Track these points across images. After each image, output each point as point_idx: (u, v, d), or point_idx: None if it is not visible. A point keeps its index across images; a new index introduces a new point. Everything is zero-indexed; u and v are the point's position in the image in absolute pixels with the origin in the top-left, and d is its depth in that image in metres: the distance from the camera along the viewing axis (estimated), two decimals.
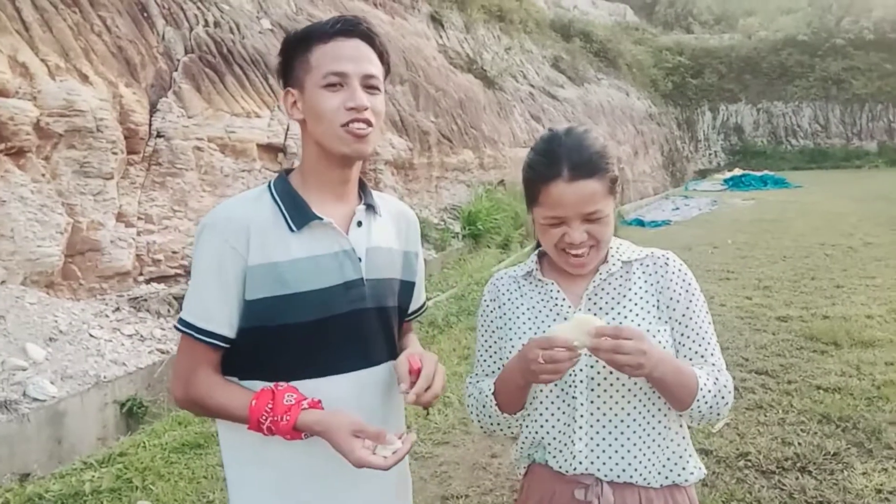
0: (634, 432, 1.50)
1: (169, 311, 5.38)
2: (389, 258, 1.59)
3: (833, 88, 39.04)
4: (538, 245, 1.64)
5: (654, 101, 32.69)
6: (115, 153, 5.41)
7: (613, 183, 1.49)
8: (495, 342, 1.66)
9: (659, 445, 1.52)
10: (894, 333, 5.98)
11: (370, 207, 1.57)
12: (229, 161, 6.81)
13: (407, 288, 1.67)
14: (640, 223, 16.01)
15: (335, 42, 1.44)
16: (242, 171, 6.98)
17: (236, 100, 7.08)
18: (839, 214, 15.68)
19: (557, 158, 1.45)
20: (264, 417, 1.38)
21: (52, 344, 4.46)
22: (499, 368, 1.63)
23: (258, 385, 1.45)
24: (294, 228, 1.45)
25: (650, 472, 1.51)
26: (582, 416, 1.51)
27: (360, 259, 1.51)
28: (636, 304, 1.52)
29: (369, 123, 1.45)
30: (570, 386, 1.52)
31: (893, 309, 6.81)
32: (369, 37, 1.48)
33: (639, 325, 1.49)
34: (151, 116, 5.99)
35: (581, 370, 1.50)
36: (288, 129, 7.73)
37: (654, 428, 1.52)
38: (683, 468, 1.54)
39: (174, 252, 5.96)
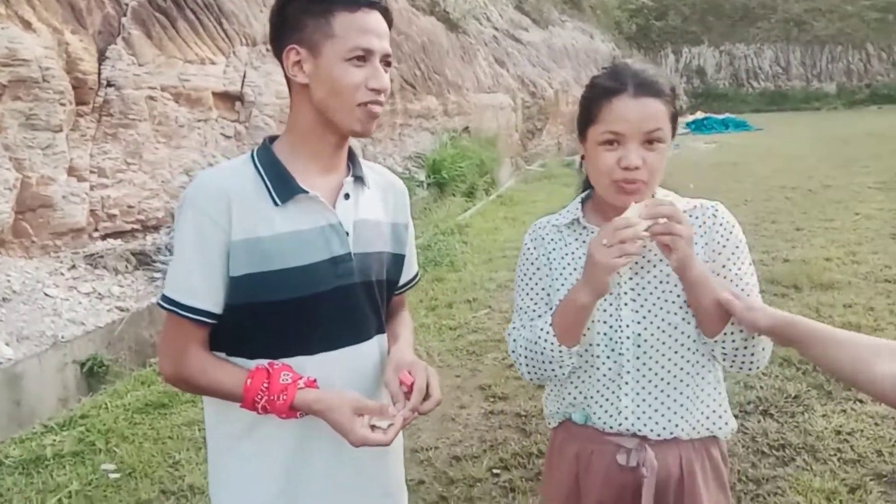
0: (678, 389, 1.52)
1: (127, 267, 5.24)
2: (378, 231, 1.54)
3: (794, 30, 39.32)
4: (584, 188, 1.63)
5: (618, 44, 32.46)
6: (62, 104, 5.16)
7: (674, 110, 1.47)
8: (542, 286, 1.62)
9: (702, 400, 1.54)
10: (852, 275, 6.11)
11: (358, 179, 1.52)
12: (184, 111, 6.57)
13: (397, 260, 1.61)
14: None
15: (362, 13, 1.38)
16: (198, 121, 6.75)
17: (189, 46, 6.79)
18: (799, 157, 15.90)
19: (624, 75, 1.46)
20: (259, 396, 1.35)
21: (6, 304, 4.32)
22: (547, 311, 1.58)
23: (246, 362, 1.42)
24: (278, 202, 1.39)
25: (693, 427, 1.54)
26: (629, 372, 1.51)
27: (347, 233, 1.46)
28: None
29: (382, 103, 1.42)
30: (616, 343, 1.52)
31: (850, 251, 6.95)
32: (387, 10, 1.44)
33: None
34: (100, 65, 5.72)
35: (628, 326, 1.50)
36: (245, 77, 7.48)
37: (697, 384, 1.53)
38: (721, 418, 1.58)
39: (130, 207, 5.77)
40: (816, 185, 11.49)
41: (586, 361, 1.56)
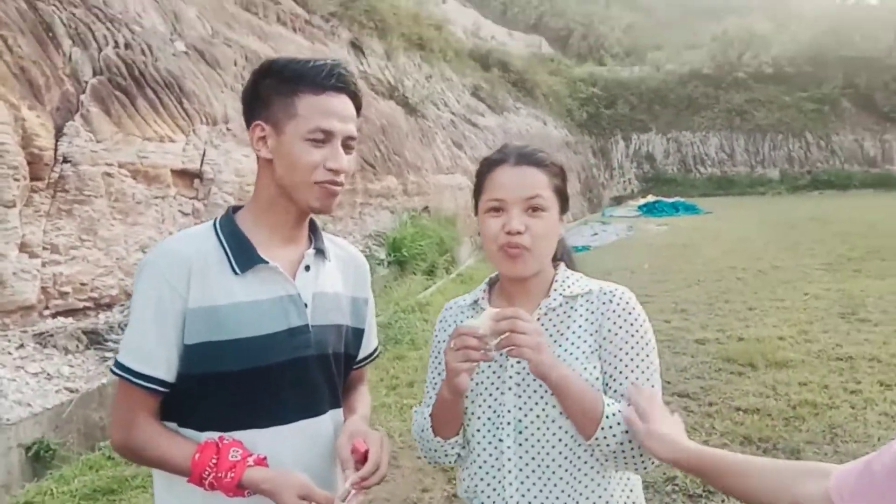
0: (563, 479, 1.43)
1: (78, 346, 5.06)
2: (336, 304, 1.54)
3: (737, 119, 41.33)
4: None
5: (570, 130, 33.64)
6: (16, 179, 5.08)
7: (558, 183, 1.51)
8: (442, 373, 1.60)
9: (593, 490, 1.44)
10: (805, 354, 6.23)
11: (319, 252, 1.53)
12: (141, 188, 6.52)
13: (356, 335, 1.61)
14: None
15: (326, 96, 1.41)
16: (156, 197, 6.70)
17: (149, 124, 6.81)
18: (747, 239, 16.41)
19: (507, 149, 1.54)
20: (207, 473, 1.32)
21: None
22: None
23: (196, 434, 1.39)
24: (238, 271, 1.40)
25: None
26: (510, 459, 1.45)
27: (305, 304, 1.46)
28: (573, 343, 1.47)
29: (342, 184, 1.44)
30: (498, 428, 1.47)
31: (802, 330, 7.11)
32: (356, 95, 1.47)
33: (570, 364, 1.43)
34: (57, 141, 5.68)
35: (509, 412, 1.46)
36: (205, 155, 7.49)
37: (588, 472, 1.44)
38: None
39: (83, 284, 5.63)
40: (766, 266, 11.83)
41: (472, 448, 1.52)
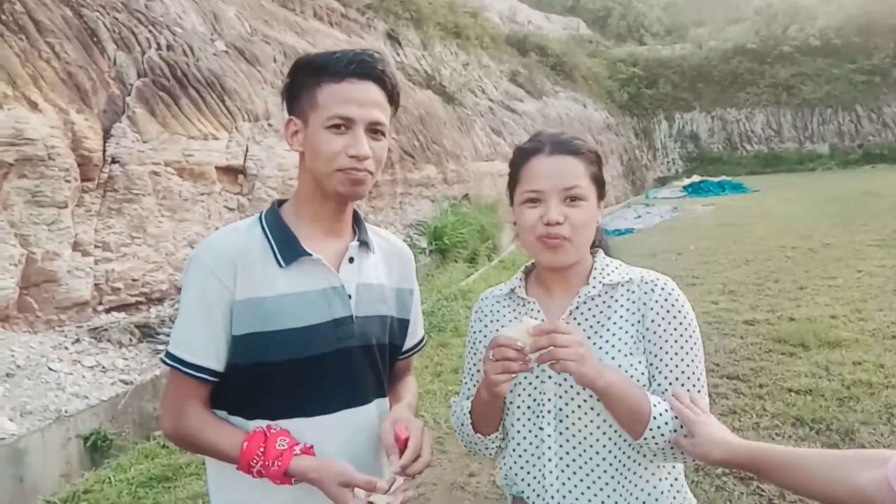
0: (601, 467, 1.42)
1: (131, 340, 5.21)
2: (381, 294, 1.55)
3: (783, 94, 40.18)
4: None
5: (611, 112, 33.16)
6: (68, 181, 5.25)
7: (595, 171, 1.48)
8: (479, 359, 1.60)
9: (641, 476, 1.43)
10: (859, 333, 6.06)
11: (364, 244, 1.53)
12: (188, 185, 6.67)
13: (401, 325, 1.62)
14: (605, 232, 15.99)
15: (347, 83, 1.40)
16: (202, 194, 6.84)
17: (192, 122, 6.95)
18: (797, 217, 15.99)
19: (542, 138, 1.50)
20: (255, 461, 1.35)
21: (10, 379, 4.28)
22: None
23: (245, 423, 1.42)
24: (283, 264, 1.42)
25: None
26: (550, 447, 1.45)
27: (349, 296, 1.47)
28: (614, 334, 1.44)
29: (368, 171, 1.42)
30: (538, 417, 1.46)
31: (856, 308, 6.92)
32: (383, 80, 1.44)
33: (613, 357, 1.41)
34: (105, 142, 5.84)
35: (549, 400, 1.45)
36: (248, 151, 7.62)
37: (624, 465, 1.42)
38: (673, 498, 1.46)
39: (134, 280, 5.80)
40: (816, 244, 11.52)
41: (511, 437, 1.52)
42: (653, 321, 1.43)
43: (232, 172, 7.43)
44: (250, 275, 1.39)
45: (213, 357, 1.40)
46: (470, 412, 1.55)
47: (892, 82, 39.35)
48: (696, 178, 30.55)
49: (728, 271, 9.75)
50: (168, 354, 1.42)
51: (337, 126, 1.39)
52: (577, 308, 1.48)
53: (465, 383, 1.65)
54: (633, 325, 1.44)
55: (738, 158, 39.22)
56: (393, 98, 1.47)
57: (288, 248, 1.43)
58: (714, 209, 20.45)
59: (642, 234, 15.78)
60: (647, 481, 1.44)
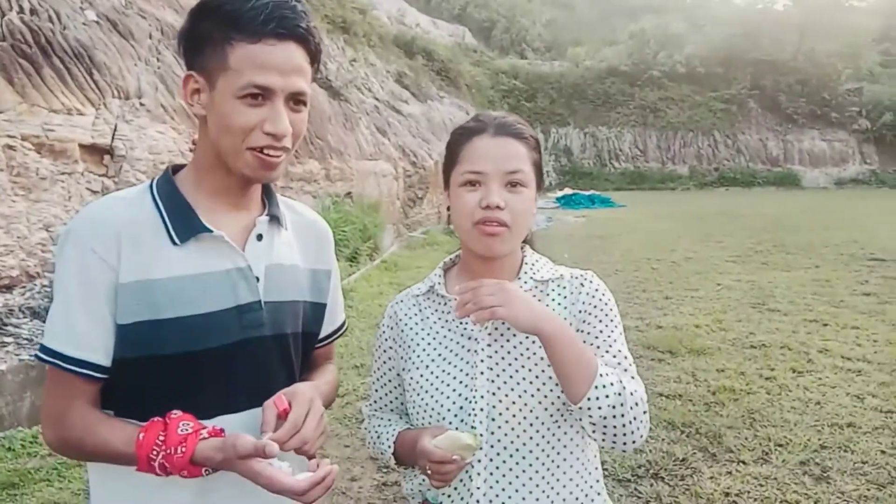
0: (534, 467, 1.36)
1: None
2: (294, 277, 1.36)
3: (650, 116, 42.80)
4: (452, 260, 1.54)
5: None
6: None
7: (537, 158, 1.41)
8: (392, 375, 1.52)
9: (570, 479, 1.38)
10: (721, 342, 6.43)
11: (274, 219, 1.34)
12: (46, 162, 6.09)
13: (317, 311, 1.44)
14: None
15: (265, 44, 1.17)
16: (62, 173, 6.27)
17: (55, 95, 6.36)
18: (661, 231, 16.93)
19: (486, 118, 1.43)
20: (155, 452, 1.13)
21: None
22: (397, 404, 1.53)
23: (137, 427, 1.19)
24: (177, 241, 1.21)
25: None
26: (481, 447, 1.34)
27: (257, 278, 1.28)
28: None
29: (286, 150, 1.23)
30: (468, 415, 1.35)
31: (717, 319, 7.35)
32: (305, 39, 1.22)
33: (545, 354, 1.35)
34: None
35: (482, 397, 1.35)
36: (116, 130, 7.08)
37: (562, 463, 1.37)
38: (592, 501, 1.42)
39: None
40: (679, 258, 12.22)
41: None
42: (588, 314, 1.41)
43: (97, 152, 6.86)
44: (138, 253, 1.18)
45: (101, 349, 1.18)
46: (393, 452, 1.45)
47: (746, 112, 42.87)
48: (567, 191, 31.79)
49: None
50: (43, 349, 1.18)
51: (253, 96, 1.17)
52: None
53: (377, 391, 1.55)
54: (565, 319, 1.39)
55: (606, 174, 41.27)
56: (316, 58, 1.28)
57: (184, 223, 1.22)
58: (585, 221, 21.31)
59: None
60: (577, 486, 1.40)
